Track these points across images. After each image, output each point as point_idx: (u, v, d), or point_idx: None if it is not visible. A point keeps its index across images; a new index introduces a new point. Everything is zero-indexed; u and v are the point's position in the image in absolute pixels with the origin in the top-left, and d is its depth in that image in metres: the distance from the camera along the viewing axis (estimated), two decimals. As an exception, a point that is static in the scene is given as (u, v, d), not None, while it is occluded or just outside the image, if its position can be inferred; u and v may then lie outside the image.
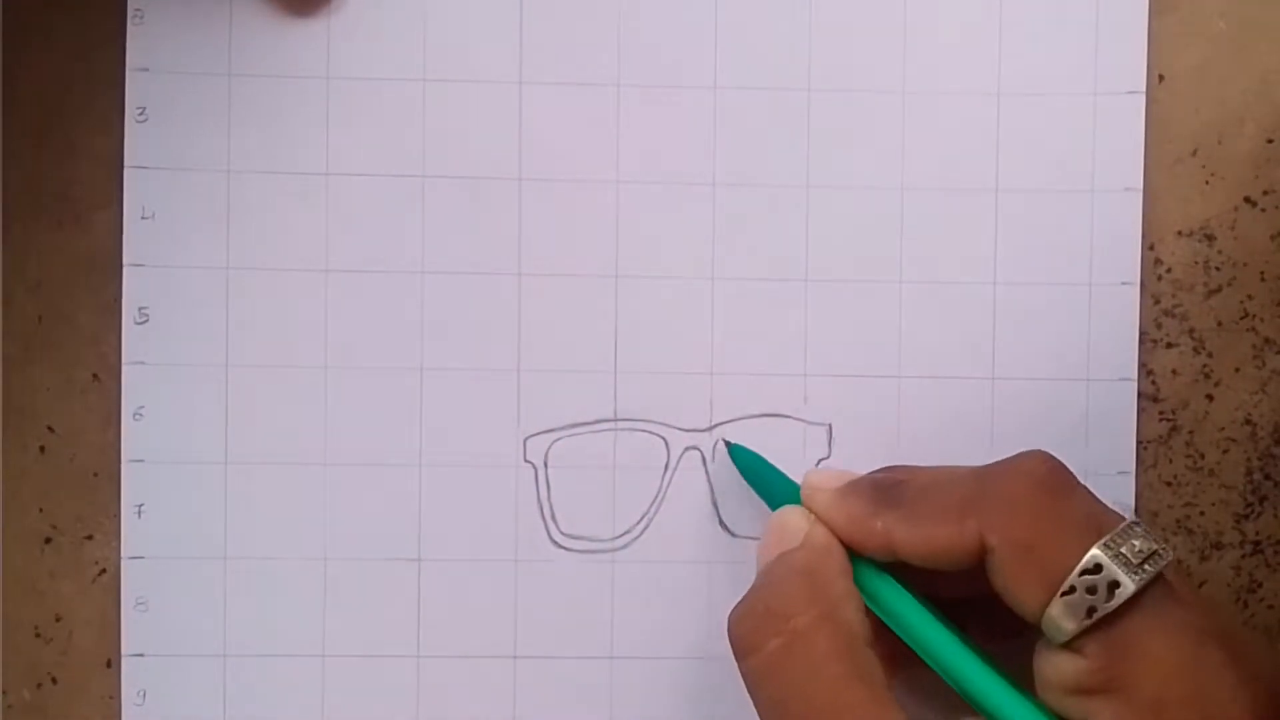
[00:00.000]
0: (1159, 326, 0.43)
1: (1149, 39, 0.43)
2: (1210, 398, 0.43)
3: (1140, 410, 0.43)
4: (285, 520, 0.43)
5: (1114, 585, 0.32)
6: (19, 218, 0.43)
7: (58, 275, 0.43)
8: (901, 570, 0.36)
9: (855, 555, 0.36)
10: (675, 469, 0.43)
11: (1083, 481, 0.35)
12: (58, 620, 0.43)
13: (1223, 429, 0.43)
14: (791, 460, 0.43)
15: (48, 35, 0.42)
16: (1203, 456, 0.43)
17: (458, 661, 0.43)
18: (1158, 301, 0.43)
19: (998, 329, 0.43)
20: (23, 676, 0.43)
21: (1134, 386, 0.43)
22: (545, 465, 0.43)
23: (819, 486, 0.37)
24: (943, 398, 0.43)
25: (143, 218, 0.42)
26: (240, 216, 0.42)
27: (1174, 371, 0.43)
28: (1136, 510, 0.43)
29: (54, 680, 0.43)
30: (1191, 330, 0.43)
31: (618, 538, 0.43)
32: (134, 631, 0.42)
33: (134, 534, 0.42)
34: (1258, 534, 0.43)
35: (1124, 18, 0.43)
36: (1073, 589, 0.32)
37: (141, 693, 0.42)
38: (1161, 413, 0.43)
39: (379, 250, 0.43)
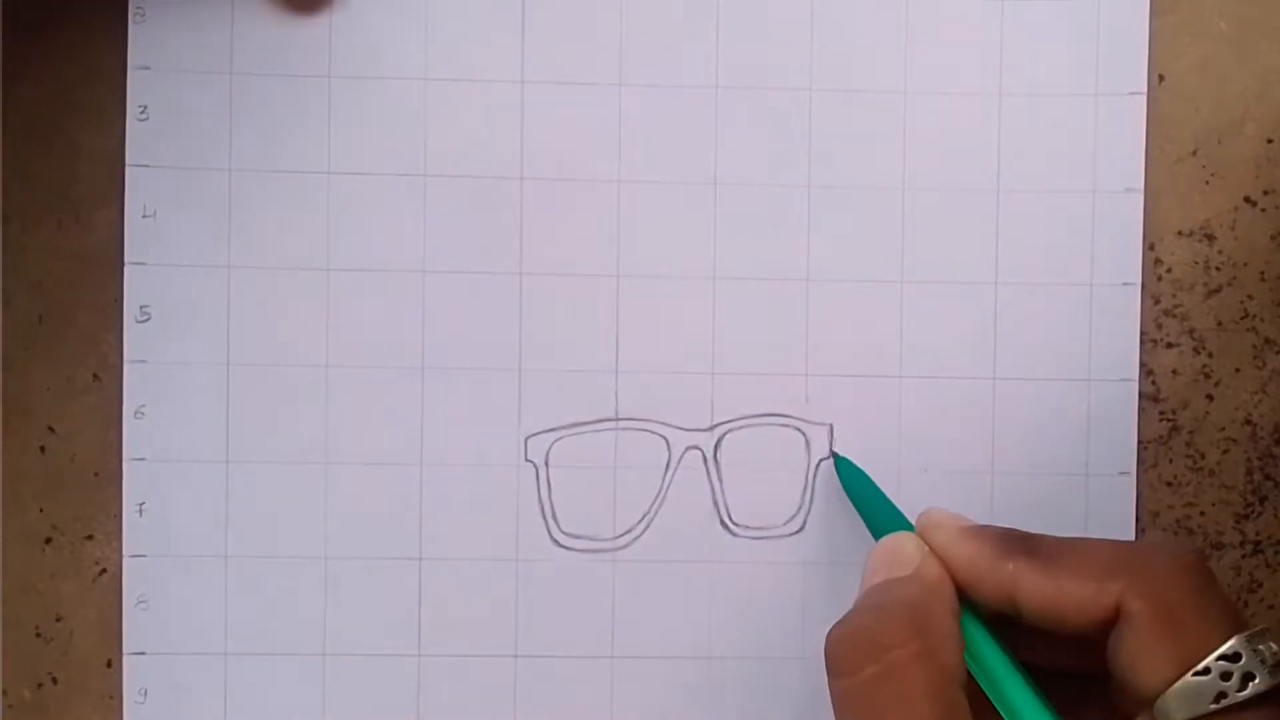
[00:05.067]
0: (1159, 326, 0.43)
1: (1149, 39, 0.43)
2: (1210, 398, 0.43)
3: (1140, 410, 0.43)
4: (286, 519, 0.43)
5: (1249, 677, 0.32)
6: (19, 218, 0.43)
7: (58, 275, 0.43)
8: (1002, 631, 0.36)
9: (963, 603, 0.36)
10: (676, 469, 0.43)
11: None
12: (58, 620, 0.43)
13: (1223, 429, 0.43)
14: (794, 460, 0.43)
15: (48, 33, 0.42)
16: (1203, 456, 0.43)
17: (458, 661, 0.43)
18: (1158, 301, 0.43)
19: (999, 329, 0.43)
20: (23, 676, 0.43)
21: (1135, 387, 0.43)
22: (546, 464, 0.43)
23: (940, 523, 0.37)
24: (944, 398, 0.43)
25: (144, 216, 0.42)
26: (242, 215, 0.42)
27: (1174, 371, 0.43)
28: (1137, 510, 0.43)
29: (54, 680, 0.43)
30: (1191, 330, 0.43)
31: (618, 537, 0.43)
32: (135, 630, 0.42)
33: (135, 532, 0.42)
34: (1258, 534, 0.43)
35: (1125, 18, 0.43)
36: (1207, 670, 0.32)
37: (143, 691, 0.42)
38: (1161, 413, 0.43)
39: (380, 249, 0.43)
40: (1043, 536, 0.36)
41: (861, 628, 0.35)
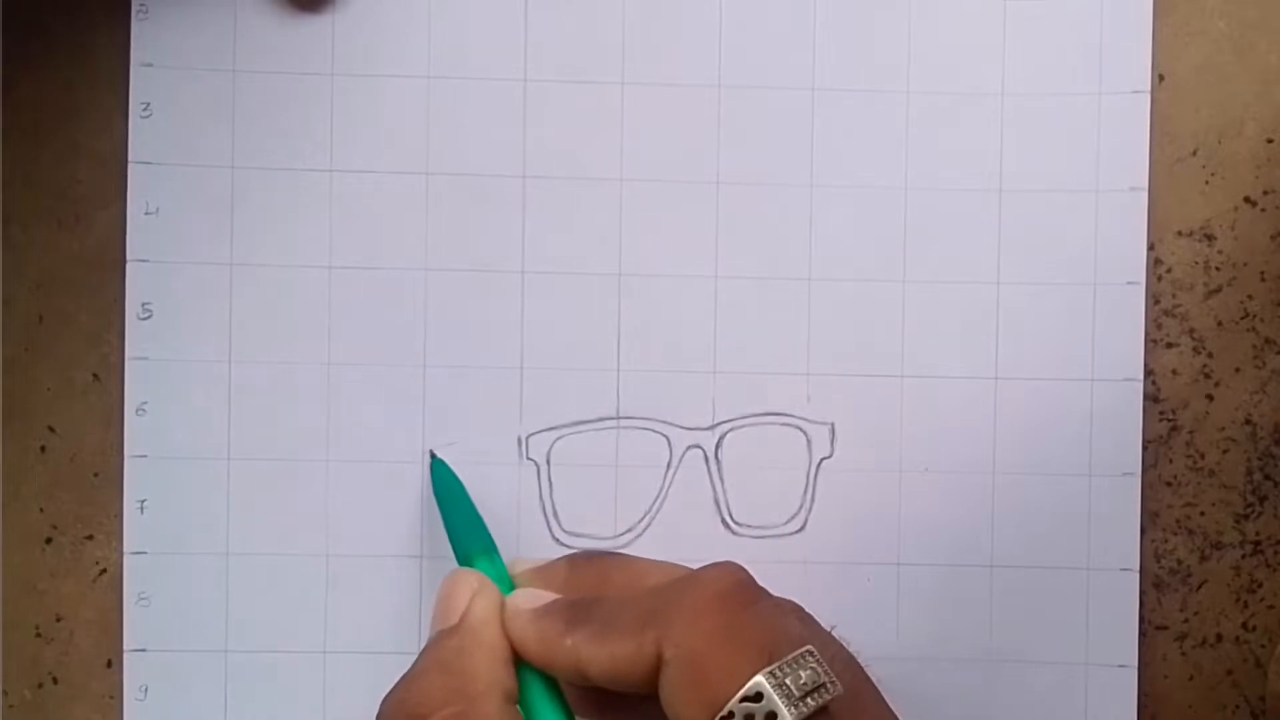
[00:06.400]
0: (1159, 326, 0.43)
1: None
2: (1210, 398, 0.43)
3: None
4: (287, 516, 0.43)
5: (771, 716, 0.31)
6: (19, 218, 0.43)
7: (58, 275, 0.43)
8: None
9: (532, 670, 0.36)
10: (678, 467, 0.43)
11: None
12: (58, 620, 0.43)
13: (1223, 429, 0.43)
14: (794, 460, 0.43)
15: (49, 32, 0.42)
16: (1203, 456, 0.43)
17: (459, 660, 0.43)
18: (1158, 301, 0.43)
19: (1001, 329, 0.43)
20: (23, 676, 0.43)
21: (1139, 387, 0.43)
22: (548, 463, 0.43)
23: (520, 608, 0.36)
24: (946, 398, 0.43)
25: (146, 213, 0.42)
26: (244, 212, 0.42)
27: (1174, 371, 0.43)
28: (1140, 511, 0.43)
29: (54, 680, 0.43)
30: (1191, 330, 0.43)
31: (620, 536, 0.43)
32: (136, 627, 0.42)
33: (136, 530, 0.42)
34: (1258, 534, 0.43)
35: (1128, 17, 0.43)
36: (731, 715, 0.31)
37: (143, 688, 0.42)
38: (1161, 413, 0.43)
39: (382, 247, 0.43)
40: (604, 600, 0.35)
41: (402, 699, 0.34)
